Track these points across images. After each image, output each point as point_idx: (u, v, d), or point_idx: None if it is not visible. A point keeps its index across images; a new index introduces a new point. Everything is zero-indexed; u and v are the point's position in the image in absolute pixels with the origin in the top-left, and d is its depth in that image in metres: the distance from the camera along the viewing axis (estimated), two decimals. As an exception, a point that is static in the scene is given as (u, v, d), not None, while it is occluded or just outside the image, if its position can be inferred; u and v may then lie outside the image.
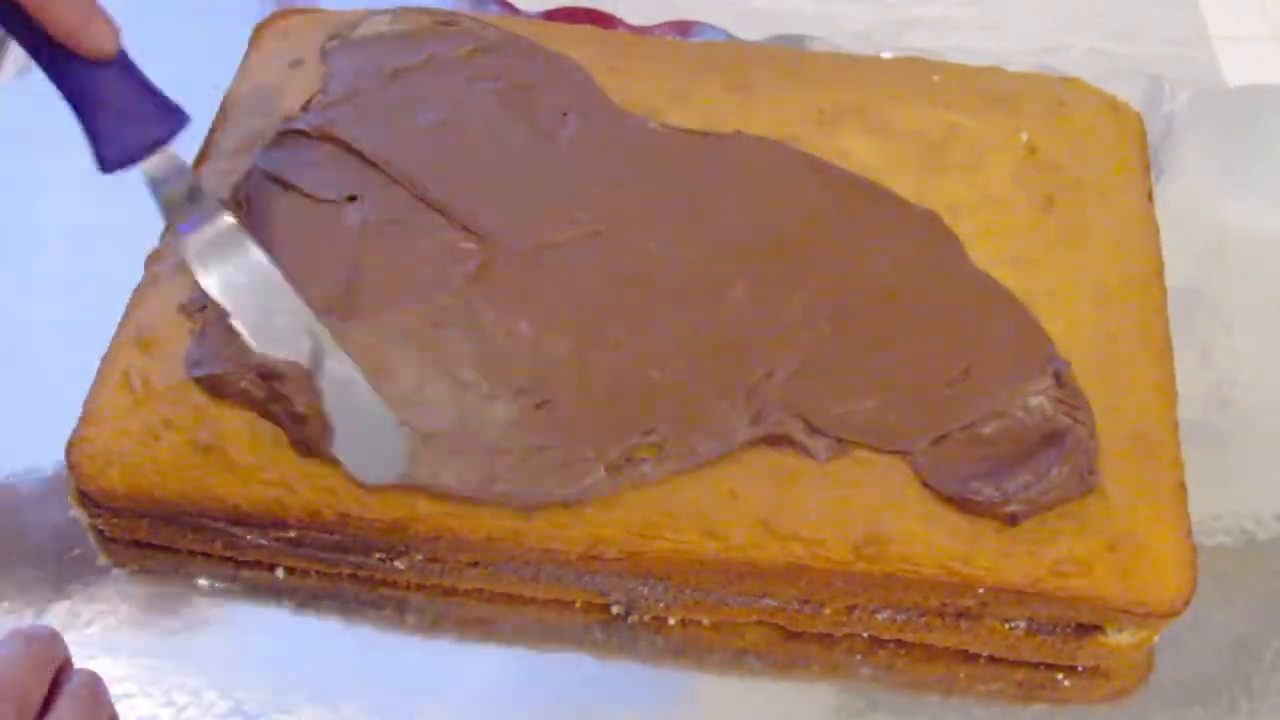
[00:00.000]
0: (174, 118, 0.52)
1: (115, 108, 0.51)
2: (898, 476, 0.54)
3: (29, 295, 0.65)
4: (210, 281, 0.54)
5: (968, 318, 0.58)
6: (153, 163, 0.53)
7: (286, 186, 0.61)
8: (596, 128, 0.63)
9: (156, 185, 0.54)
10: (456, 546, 0.55)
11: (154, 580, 0.58)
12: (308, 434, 0.54)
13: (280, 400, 0.54)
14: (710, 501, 0.54)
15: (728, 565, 0.53)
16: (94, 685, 0.46)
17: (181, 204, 0.54)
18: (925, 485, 0.54)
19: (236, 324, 0.54)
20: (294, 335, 0.54)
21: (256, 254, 0.54)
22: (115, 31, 0.50)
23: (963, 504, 0.53)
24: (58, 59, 0.50)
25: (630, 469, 0.53)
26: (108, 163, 0.52)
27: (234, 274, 0.54)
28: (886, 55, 0.69)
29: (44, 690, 0.44)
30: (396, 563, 0.56)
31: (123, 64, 0.51)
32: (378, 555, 0.56)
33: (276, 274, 0.54)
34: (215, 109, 0.66)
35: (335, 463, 0.53)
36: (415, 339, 0.56)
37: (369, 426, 0.54)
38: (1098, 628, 0.55)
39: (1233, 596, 0.58)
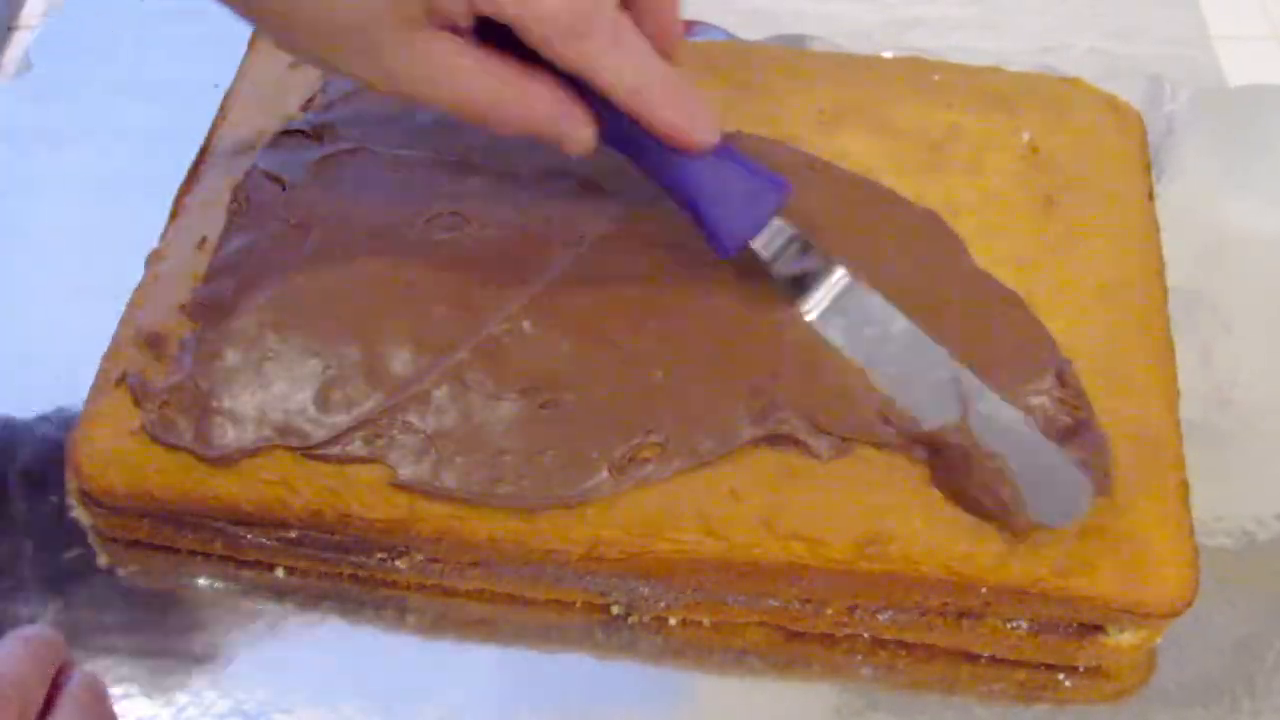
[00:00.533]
0: (779, 190, 0.53)
1: (723, 192, 0.52)
2: (900, 475, 0.54)
3: (29, 295, 0.65)
4: (834, 335, 0.55)
5: (969, 317, 0.58)
6: (763, 237, 0.54)
7: (286, 186, 0.61)
8: None
9: (769, 255, 0.54)
10: (458, 547, 0.54)
11: (154, 580, 0.58)
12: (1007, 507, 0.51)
13: None
14: (711, 501, 0.53)
15: (729, 565, 0.53)
16: (94, 686, 0.46)
17: (792, 264, 0.55)
18: (931, 485, 0.54)
19: (876, 380, 0.54)
20: (941, 389, 0.53)
21: (881, 304, 0.55)
22: (716, 121, 0.51)
23: (972, 508, 0.53)
24: (659, 157, 0.51)
25: (634, 469, 0.53)
26: (727, 248, 0.53)
27: (863, 327, 0.55)
28: (886, 55, 0.69)
29: (45, 692, 0.44)
30: (397, 563, 0.56)
31: (722, 147, 0.52)
32: (379, 555, 0.56)
33: (907, 322, 0.55)
34: (215, 109, 0.66)
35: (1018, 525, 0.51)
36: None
37: (1042, 463, 0.52)
38: (1099, 628, 0.55)
39: (1234, 597, 0.58)
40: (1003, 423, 0.53)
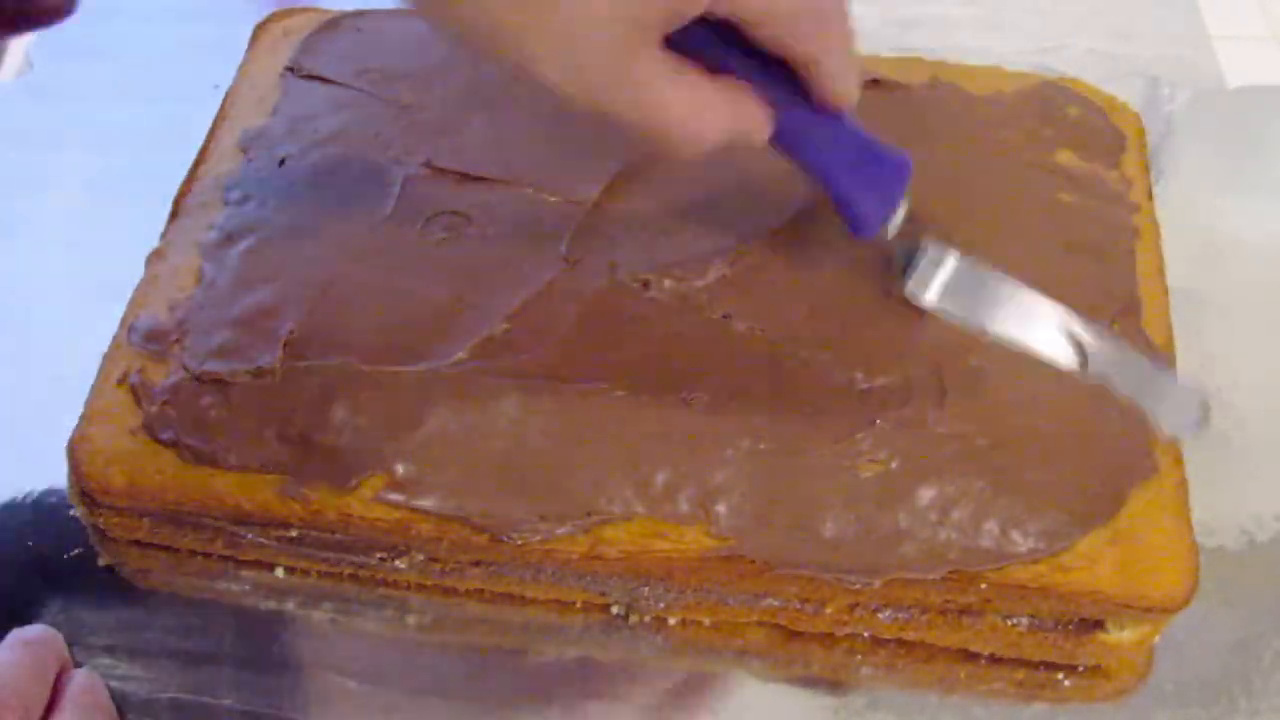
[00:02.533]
0: (906, 166, 0.52)
1: (863, 175, 0.51)
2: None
3: (29, 295, 0.66)
4: (951, 309, 0.54)
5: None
6: (897, 217, 0.53)
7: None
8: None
9: (893, 232, 0.53)
10: (457, 547, 0.55)
11: (154, 580, 0.58)
12: None
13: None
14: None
15: (728, 564, 0.53)
16: (94, 687, 0.46)
17: (914, 245, 0.54)
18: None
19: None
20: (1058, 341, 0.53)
21: (989, 270, 0.54)
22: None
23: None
24: (804, 136, 0.50)
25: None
26: (872, 226, 0.52)
27: (977, 297, 0.54)
28: (886, 55, 0.69)
29: (46, 695, 0.44)
30: (397, 563, 0.56)
31: (851, 126, 0.51)
32: (378, 555, 0.56)
33: (1015, 284, 0.54)
34: (215, 109, 0.66)
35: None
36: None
37: (1154, 383, 0.54)
38: (1099, 624, 0.55)
39: (1232, 597, 0.58)
40: (1112, 355, 0.53)
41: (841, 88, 0.49)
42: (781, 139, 0.50)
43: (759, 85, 0.48)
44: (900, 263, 0.54)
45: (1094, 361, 0.53)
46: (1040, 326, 0.53)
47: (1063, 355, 0.53)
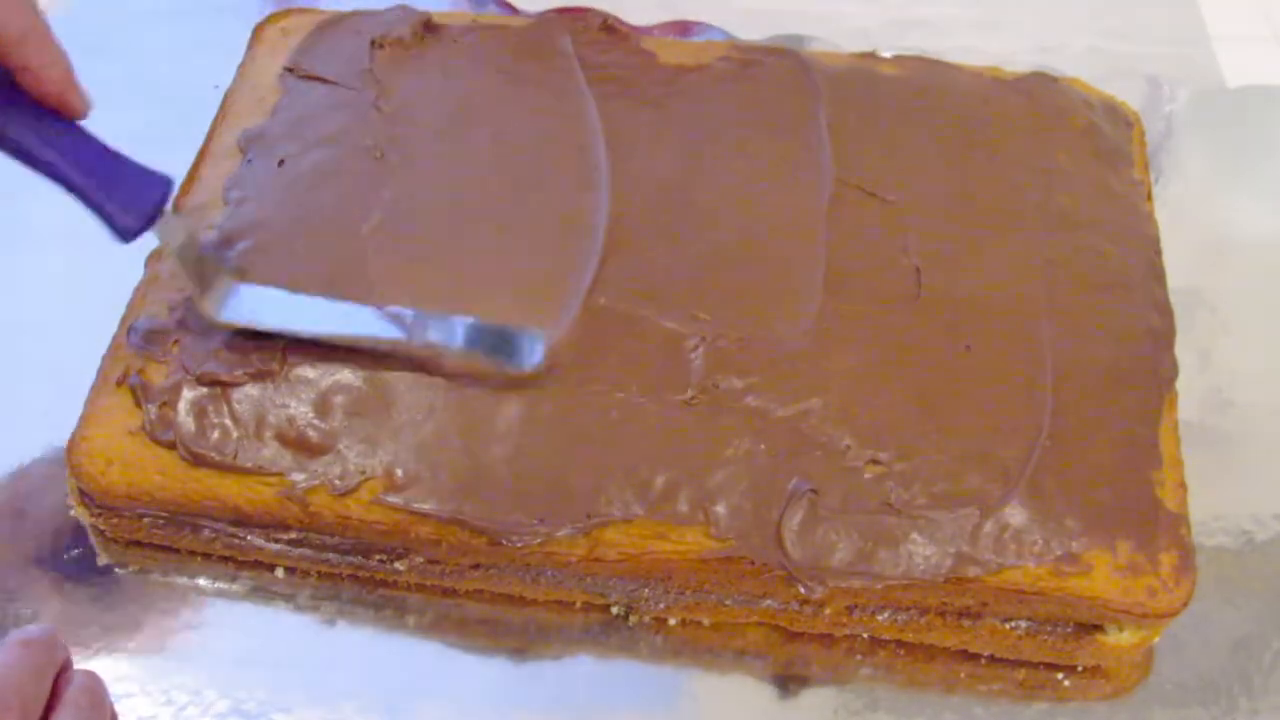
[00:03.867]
0: (167, 183, 0.53)
1: (117, 179, 0.52)
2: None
3: (29, 295, 0.65)
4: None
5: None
6: (166, 227, 0.53)
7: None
8: None
9: (175, 244, 0.54)
10: (457, 550, 0.54)
11: (154, 580, 0.58)
12: None
13: None
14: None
15: (728, 565, 0.53)
16: (94, 687, 0.46)
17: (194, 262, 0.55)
18: None
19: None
20: None
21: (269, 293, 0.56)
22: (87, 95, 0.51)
23: None
24: (41, 139, 0.51)
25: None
26: (130, 230, 0.52)
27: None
28: (886, 55, 0.69)
29: (45, 695, 0.44)
30: (397, 564, 0.56)
31: (92, 137, 0.52)
32: (378, 556, 0.56)
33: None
34: (215, 109, 0.66)
35: None
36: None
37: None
38: (1098, 627, 0.55)
39: (1232, 597, 0.58)
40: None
41: (54, 86, 0.50)
42: (16, 143, 0.51)
43: None
44: (196, 283, 0.55)
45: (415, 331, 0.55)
46: (351, 320, 0.55)
47: (382, 331, 0.55)
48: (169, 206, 0.53)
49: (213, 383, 0.55)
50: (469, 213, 0.61)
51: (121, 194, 0.52)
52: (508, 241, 0.60)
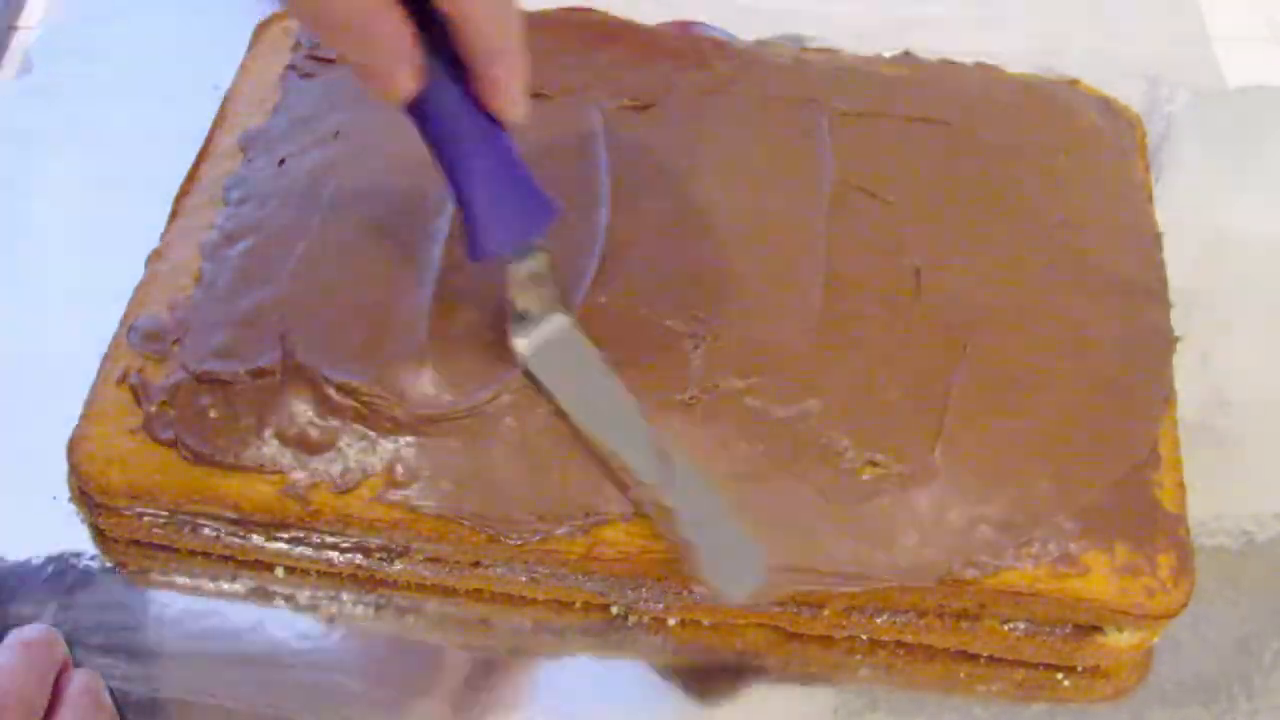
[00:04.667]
0: (552, 212, 0.51)
1: (504, 195, 0.50)
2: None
3: (29, 295, 0.65)
4: (544, 377, 0.53)
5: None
6: (522, 258, 0.52)
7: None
8: None
9: (519, 275, 0.53)
10: (456, 547, 0.55)
11: (154, 580, 0.58)
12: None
13: None
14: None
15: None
16: (94, 688, 0.46)
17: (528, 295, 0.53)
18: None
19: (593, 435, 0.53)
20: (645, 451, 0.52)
21: (594, 357, 0.54)
22: (528, 107, 0.49)
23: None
24: (454, 142, 0.49)
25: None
26: (487, 252, 0.50)
27: (576, 376, 0.54)
28: (886, 55, 0.69)
29: (46, 696, 0.44)
30: (397, 564, 0.56)
31: (511, 148, 0.50)
32: (378, 556, 0.56)
33: (622, 389, 0.54)
34: (215, 109, 0.66)
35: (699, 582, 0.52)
36: None
37: (726, 541, 0.52)
38: (1097, 628, 0.55)
39: (1232, 597, 0.58)
40: (695, 489, 0.52)
41: (506, 94, 0.48)
42: (430, 117, 0.48)
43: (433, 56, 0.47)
44: (516, 310, 0.53)
45: (678, 478, 0.52)
46: (625, 427, 0.53)
47: (643, 464, 0.52)
48: (537, 239, 0.51)
49: (212, 381, 0.55)
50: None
51: (499, 213, 0.50)
52: None
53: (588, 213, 0.60)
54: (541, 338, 0.54)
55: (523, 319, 0.54)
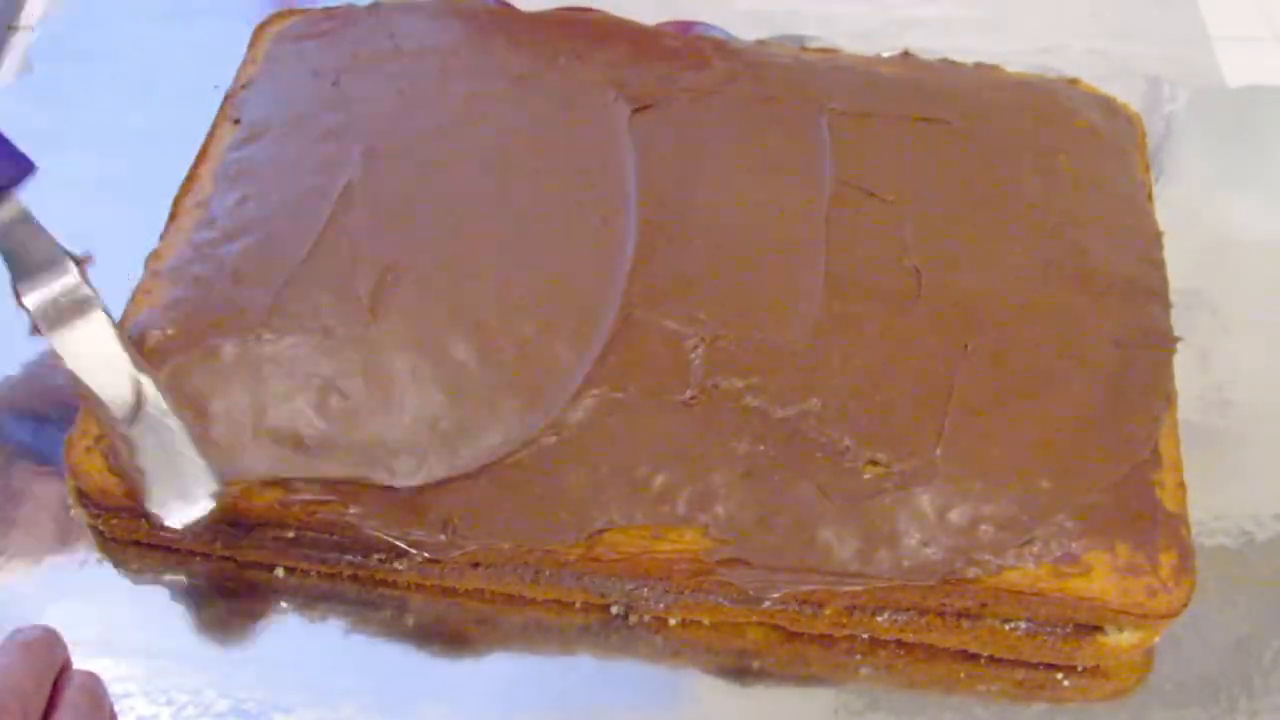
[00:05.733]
0: (20, 166, 0.52)
1: None
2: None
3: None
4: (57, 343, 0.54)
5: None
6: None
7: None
8: None
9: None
10: (456, 545, 0.54)
11: (154, 580, 0.58)
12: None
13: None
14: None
15: (727, 567, 0.53)
16: (94, 688, 0.46)
17: (25, 253, 0.54)
18: None
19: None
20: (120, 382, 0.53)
21: (100, 316, 0.54)
22: None
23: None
24: None
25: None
26: None
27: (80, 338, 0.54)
28: (886, 55, 0.69)
29: (46, 697, 0.44)
30: (396, 563, 0.56)
31: None
32: (377, 555, 0.56)
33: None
34: (215, 109, 0.66)
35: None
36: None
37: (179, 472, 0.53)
38: (1097, 628, 0.55)
39: (1232, 597, 0.58)
40: (158, 421, 0.53)
41: None
42: None
43: None
44: (11, 264, 0.54)
45: (146, 412, 0.53)
46: (100, 363, 0.53)
47: (114, 393, 0.52)
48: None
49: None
50: (467, 211, 0.60)
51: None
52: (506, 239, 0.60)
53: (613, 215, 0.60)
54: (51, 294, 0.54)
55: (29, 275, 0.54)
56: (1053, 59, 0.74)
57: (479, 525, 0.53)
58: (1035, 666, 0.56)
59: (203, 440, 0.53)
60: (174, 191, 0.63)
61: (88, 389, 0.53)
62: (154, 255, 0.60)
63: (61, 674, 0.45)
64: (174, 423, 0.53)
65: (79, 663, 0.47)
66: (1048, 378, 0.57)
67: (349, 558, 0.57)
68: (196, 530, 0.56)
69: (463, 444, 0.54)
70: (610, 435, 0.54)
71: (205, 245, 0.59)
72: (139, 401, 0.53)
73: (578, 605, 0.57)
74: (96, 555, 0.58)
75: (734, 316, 0.57)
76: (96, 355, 0.54)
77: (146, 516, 0.52)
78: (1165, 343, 0.59)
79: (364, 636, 0.57)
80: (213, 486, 0.52)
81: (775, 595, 0.54)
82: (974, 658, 0.57)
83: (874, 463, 0.54)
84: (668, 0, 0.75)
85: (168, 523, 0.52)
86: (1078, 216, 0.62)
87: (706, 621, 0.57)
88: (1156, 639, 0.55)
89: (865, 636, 0.57)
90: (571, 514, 0.53)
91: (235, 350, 0.55)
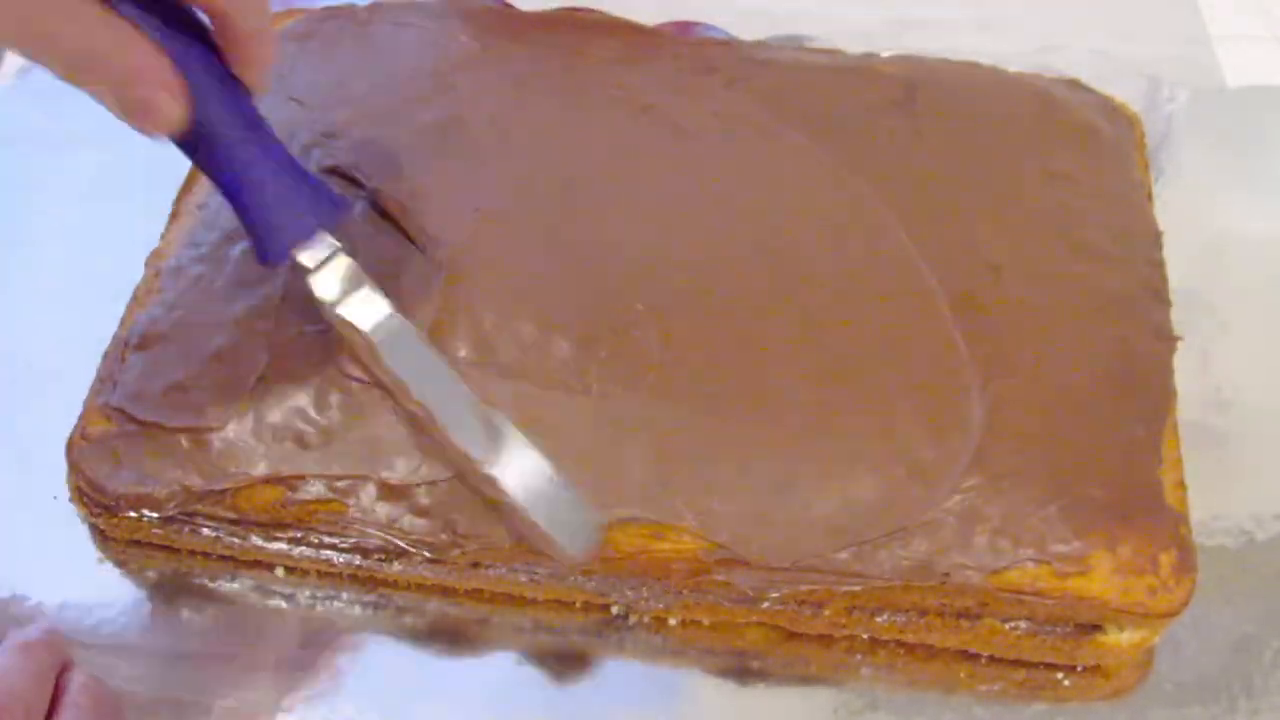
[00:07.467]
0: (339, 207, 0.50)
1: (280, 197, 0.48)
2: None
3: (29, 295, 0.66)
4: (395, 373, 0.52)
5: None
6: (312, 250, 0.50)
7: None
8: None
9: (313, 265, 0.51)
10: (455, 545, 0.54)
11: (154, 580, 0.58)
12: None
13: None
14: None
15: (726, 566, 0.53)
16: (94, 687, 0.46)
17: (334, 283, 0.52)
18: None
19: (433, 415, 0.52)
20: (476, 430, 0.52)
21: (419, 341, 0.53)
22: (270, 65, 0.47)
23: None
24: (224, 152, 0.47)
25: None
26: (271, 255, 0.49)
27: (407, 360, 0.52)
28: (885, 55, 0.69)
29: (47, 697, 0.44)
30: (396, 564, 0.56)
31: (281, 145, 0.49)
32: (377, 555, 0.56)
33: (441, 360, 0.53)
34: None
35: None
36: None
37: (558, 505, 0.51)
38: (1098, 627, 0.55)
39: (1232, 597, 0.58)
40: (526, 468, 0.51)
41: (265, 68, 0.46)
42: (199, 142, 0.47)
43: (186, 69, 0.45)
44: (321, 303, 0.52)
45: (504, 452, 0.51)
46: (456, 404, 0.52)
47: (471, 442, 0.51)
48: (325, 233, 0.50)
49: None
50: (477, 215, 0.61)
51: (282, 208, 0.48)
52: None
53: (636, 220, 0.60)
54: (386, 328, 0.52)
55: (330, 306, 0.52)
56: (1053, 59, 0.74)
57: (479, 525, 0.53)
58: (1035, 666, 0.56)
59: (203, 440, 0.53)
60: (174, 191, 0.63)
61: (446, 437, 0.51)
62: (154, 255, 0.60)
63: (62, 674, 0.45)
64: (535, 452, 0.51)
65: (79, 663, 0.47)
66: (1046, 377, 0.57)
67: (349, 558, 0.57)
68: (196, 530, 0.57)
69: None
70: (609, 432, 0.54)
71: (206, 245, 0.59)
72: (494, 434, 0.51)
73: (578, 605, 0.57)
74: (96, 555, 0.58)
75: (734, 316, 0.57)
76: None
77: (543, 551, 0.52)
78: (1164, 343, 0.59)
79: (363, 637, 0.57)
80: (591, 511, 0.51)
81: (774, 595, 0.55)
82: (974, 658, 0.57)
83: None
84: (668, 0, 0.75)
85: (574, 559, 0.51)
86: (1078, 216, 0.62)
87: (706, 621, 0.57)
88: (1156, 639, 0.55)
89: (865, 636, 0.57)
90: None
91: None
